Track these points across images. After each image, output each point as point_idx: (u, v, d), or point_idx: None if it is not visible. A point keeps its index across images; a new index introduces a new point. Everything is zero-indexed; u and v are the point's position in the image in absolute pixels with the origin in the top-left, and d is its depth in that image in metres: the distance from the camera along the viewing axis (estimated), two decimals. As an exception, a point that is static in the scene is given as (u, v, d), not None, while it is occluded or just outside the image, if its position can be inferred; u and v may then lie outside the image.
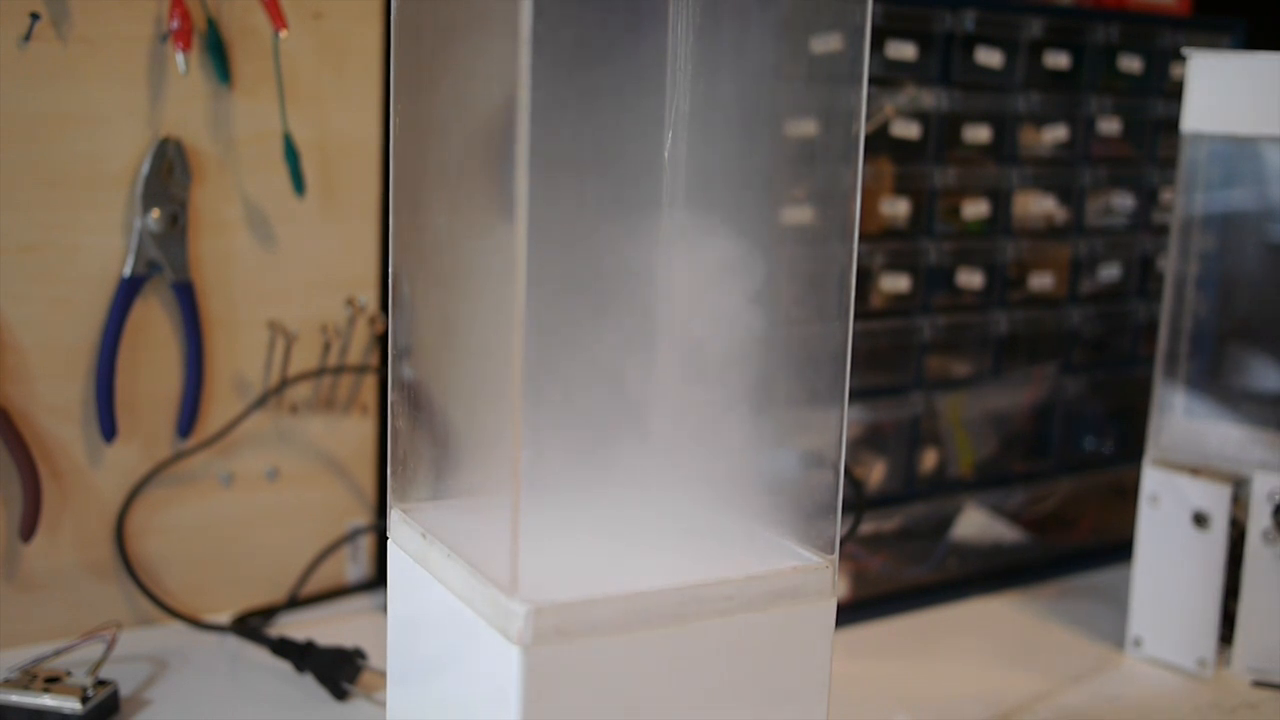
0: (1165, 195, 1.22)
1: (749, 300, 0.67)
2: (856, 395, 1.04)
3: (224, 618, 0.99)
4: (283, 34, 0.94)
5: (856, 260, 0.64)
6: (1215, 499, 0.96)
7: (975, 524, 1.14)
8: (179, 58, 0.91)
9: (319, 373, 1.02)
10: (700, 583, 0.60)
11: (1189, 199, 1.01)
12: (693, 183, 0.69)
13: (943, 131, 1.07)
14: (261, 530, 1.02)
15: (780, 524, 0.66)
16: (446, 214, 0.68)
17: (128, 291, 0.93)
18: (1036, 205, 1.15)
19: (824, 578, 0.63)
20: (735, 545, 0.65)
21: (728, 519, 0.67)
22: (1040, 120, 1.14)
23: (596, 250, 0.67)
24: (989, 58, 1.09)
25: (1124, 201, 1.21)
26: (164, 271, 0.94)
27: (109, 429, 0.93)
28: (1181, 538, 0.98)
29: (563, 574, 0.60)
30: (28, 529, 0.90)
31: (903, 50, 1.03)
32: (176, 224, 0.94)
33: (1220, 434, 1.01)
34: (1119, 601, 1.05)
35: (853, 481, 1.00)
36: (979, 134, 1.10)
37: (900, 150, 1.05)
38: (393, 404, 0.69)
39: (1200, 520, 0.97)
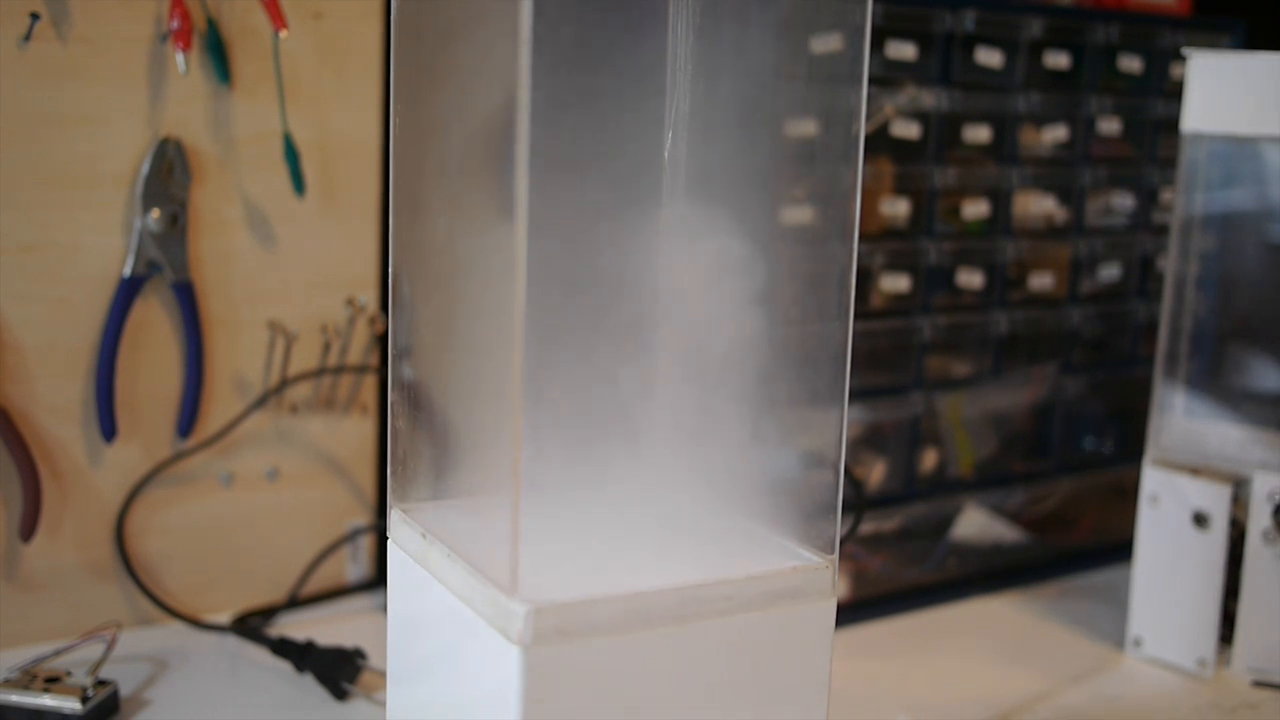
0: (1165, 195, 1.22)
1: (749, 300, 0.67)
2: (856, 395, 1.04)
3: (224, 618, 0.99)
4: (283, 34, 0.94)
5: (856, 260, 0.64)
6: (1215, 499, 0.96)
7: (975, 524, 1.14)
8: (179, 58, 0.91)
9: (319, 373, 1.02)
10: (700, 583, 0.60)
11: (1189, 199, 1.01)
12: (693, 183, 0.69)
13: (943, 131, 1.07)
14: (261, 530, 1.02)
15: (780, 524, 0.66)
16: (446, 214, 0.68)
17: (128, 291, 0.93)
18: (1036, 205, 1.14)
19: (824, 578, 0.63)
20: (735, 545, 0.65)
21: (728, 519, 0.67)
22: (1040, 120, 1.14)
23: (596, 250, 0.66)
24: (989, 58, 1.09)
25: (1124, 201, 1.21)
26: (164, 271, 0.94)
27: (109, 429, 0.93)
28: (1181, 538, 0.98)
29: (563, 574, 0.60)
30: (28, 529, 0.90)
31: (903, 50, 1.03)
32: (176, 224, 0.94)
33: (1220, 434, 1.01)
34: (1119, 601, 1.05)
35: (853, 481, 1.00)
36: (979, 134, 1.09)
37: (900, 150, 1.05)
38: (393, 404, 0.69)
39: (1200, 520, 0.97)
